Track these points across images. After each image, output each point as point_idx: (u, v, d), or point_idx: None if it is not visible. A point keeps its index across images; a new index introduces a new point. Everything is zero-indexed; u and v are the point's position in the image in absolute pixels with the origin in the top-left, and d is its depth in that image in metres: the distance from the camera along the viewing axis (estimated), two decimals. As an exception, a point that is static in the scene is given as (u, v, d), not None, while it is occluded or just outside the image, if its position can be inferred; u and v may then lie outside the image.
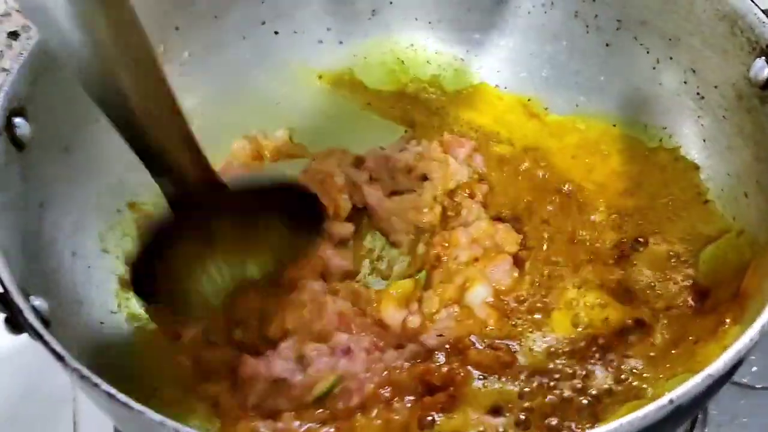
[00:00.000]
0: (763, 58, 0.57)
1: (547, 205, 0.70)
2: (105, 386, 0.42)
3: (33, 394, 0.71)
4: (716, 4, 0.62)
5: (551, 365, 0.59)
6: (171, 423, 0.40)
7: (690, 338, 0.56)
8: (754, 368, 0.67)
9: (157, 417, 0.41)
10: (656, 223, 0.67)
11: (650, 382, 0.55)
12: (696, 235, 0.64)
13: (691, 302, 0.60)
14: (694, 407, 0.41)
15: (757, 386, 0.66)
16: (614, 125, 0.73)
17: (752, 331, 0.41)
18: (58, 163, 0.63)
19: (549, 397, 0.57)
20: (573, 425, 0.54)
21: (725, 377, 0.41)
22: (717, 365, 0.40)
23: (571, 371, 0.59)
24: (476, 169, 0.74)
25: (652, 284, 0.63)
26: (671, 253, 0.64)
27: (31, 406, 0.71)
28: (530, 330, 0.62)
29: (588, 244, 0.67)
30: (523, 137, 0.76)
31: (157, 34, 0.71)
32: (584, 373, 0.58)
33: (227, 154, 0.76)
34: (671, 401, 0.38)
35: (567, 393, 0.57)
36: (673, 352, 0.56)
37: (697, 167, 0.67)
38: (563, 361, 0.59)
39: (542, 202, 0.71)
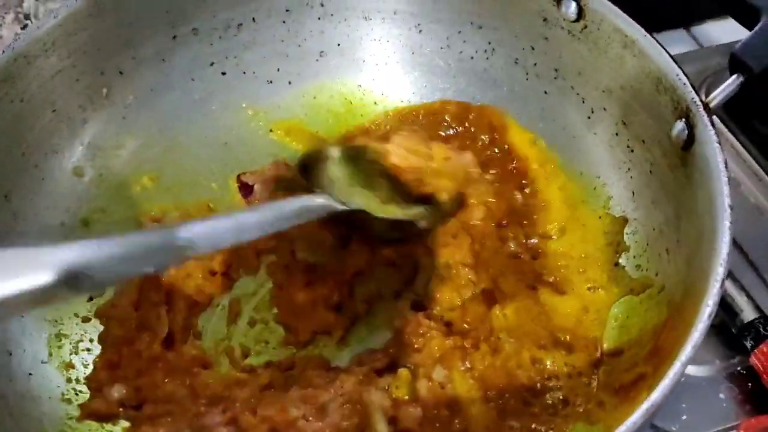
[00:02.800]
0: (683, 120, 0.58)
1: None
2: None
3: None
4: (642, 61, 0.63)
5: None
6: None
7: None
8: (684, 417, 0.68)
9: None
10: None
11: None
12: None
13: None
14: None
15: (685, 435, 0.67)
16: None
17: (656, 393, 0.42)
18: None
19: None
20: None
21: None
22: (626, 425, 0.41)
23: None
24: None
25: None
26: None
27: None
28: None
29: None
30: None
31: (99, 79, 0.72)
32: None
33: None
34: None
35: None
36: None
37: (626, 220, 0.68)
38: None
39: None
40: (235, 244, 0.58)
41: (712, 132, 0.54)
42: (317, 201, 0.62)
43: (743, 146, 0.86)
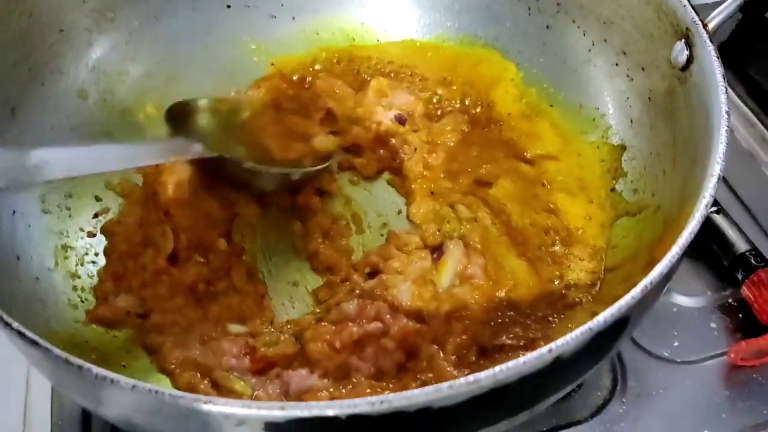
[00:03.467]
0: (683, 40, 0.60)
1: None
2: (43, 343, 0.43)
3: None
4: (644, -12, 0.64)
5: None
6: (111, 375, 0.40)
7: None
8: (676, 343, 0.70)
9: (99, 370, 0.41)
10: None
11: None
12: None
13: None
14: (577, 361, 0.43)
15: (677, 360, 0.68)
16: (551, 105, 0.75)
17: (635, 290, 0.43)
18: (2, 123, 0.64)
19: None
20: None
21: (608, 333, 0.43)
22: (597, 320, 0.42)
23: None
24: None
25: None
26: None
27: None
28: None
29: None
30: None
31: (106, 2, 0.73)
32: None
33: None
34: (550, 350, 0.40)
35: None
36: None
37: (624, 147, 0.70)
38: None
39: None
40: (91, 172, 0.63)
41: (711, 47, 0.56)
42: (182, 144, 0.66)
43: (737, 95, 0.88)
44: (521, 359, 0.39)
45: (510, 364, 0.39)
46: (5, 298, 0.55)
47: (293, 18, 0.83)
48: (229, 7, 0.81)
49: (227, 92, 0.79)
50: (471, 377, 0.38)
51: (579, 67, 0.74)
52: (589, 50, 0.72)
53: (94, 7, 0.72)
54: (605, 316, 0.42)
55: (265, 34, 0.82)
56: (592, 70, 0.73)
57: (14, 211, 0.64)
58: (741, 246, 0.72)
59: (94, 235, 0.68)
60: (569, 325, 0.59)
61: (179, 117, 0.70)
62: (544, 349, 0.40)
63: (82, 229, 0.68)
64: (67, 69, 0.71)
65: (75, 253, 0.66)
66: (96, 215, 0.69)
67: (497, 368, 0.39)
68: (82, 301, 0.63)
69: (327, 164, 0.73)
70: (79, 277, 0.65)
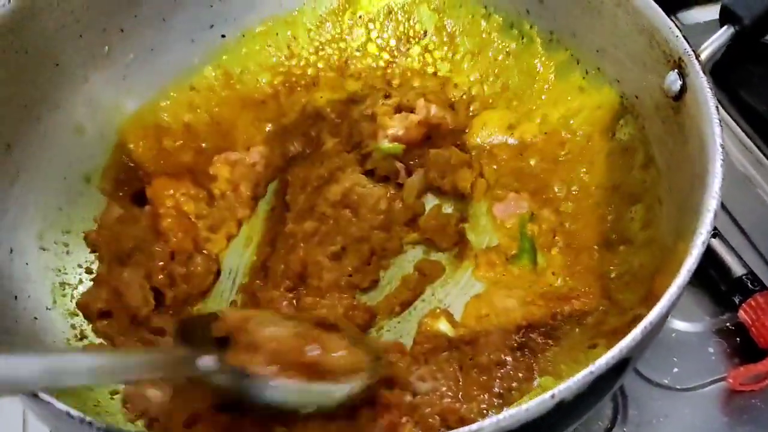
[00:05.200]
0: (676, 70, 0.60)
1: None
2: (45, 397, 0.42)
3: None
4: (636, 18, 0.64)
5: None
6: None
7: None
8: (675, 369, 0.70)
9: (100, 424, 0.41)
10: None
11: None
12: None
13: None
14: (579, 403, 0.43)
15: (676, 387, 0.69)
16: (545, 133, 0.75)
17: (635, 332, 0.43)
18: (-1, 161, 0.64)
19: None
20: None
21: (610, 375, 0.43)
22: (599, 363, 0.42)
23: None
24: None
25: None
26: None
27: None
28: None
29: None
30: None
31: (101, 37, 0.73)
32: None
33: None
34: (552, 396, 0.40)
35: None
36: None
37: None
38: None
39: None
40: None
41: (704, 78, 0.56)
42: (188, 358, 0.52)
43: (731, 117, 0.88)
44: (524, 406, 0.39)
45: (512, 411, 0.39)
46: (2, 339, 0.55)
47: (288, 47, 0.83)
48: (224, 36, 0.81)
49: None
50: (474, 426, 0.38)
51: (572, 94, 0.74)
52: (584, 78, 0.73)
53: (90, 42, 0.72)
54: (607, 359, 0.42)
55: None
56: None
57: (11, 249, 0.64)
58: (738, 270, 0.72)
59: (92, 272, 0.68)
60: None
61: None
62: (546, 395, 0.40)
63: (80, 266, 0.68)
64: (63, 104, 0.71)
65: (73, 290, 0.66)
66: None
67: (500, 416, 0.39)
68: (80, 339, 0.63)
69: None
70: (77, 315, 0.65)
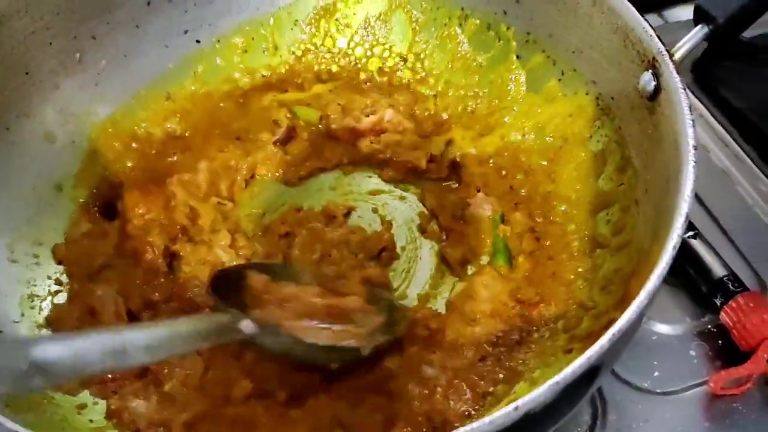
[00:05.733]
0: (650, 71, 0.59)
1: None
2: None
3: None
4: (610, 17, 0.64)
5: None
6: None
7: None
8: (656, 373, 0.69)
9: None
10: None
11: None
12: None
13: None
14: (551, 413, 0.42)
15: (657, 391, 0.67)
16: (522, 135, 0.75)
17: (603, 339, 0.42)
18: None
19: None
20: None
21: (580, 383, 0.42)
22: (565, 372, 0.41)
23: None
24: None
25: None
26: None
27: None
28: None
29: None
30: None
31: (73, 43, 0.72)
32: None
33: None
34: (516, 408, 0.39)
35: None
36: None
37: (596, 176, 0.69)
38: None
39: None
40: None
41: (678, 79, 0.55)
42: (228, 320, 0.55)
43: (711, 114, 0.87)
44: (487, 419, 0.38)
45: (475, 424, 0.38)
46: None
47: (264, 51, 0.82)
48: (198, 42, 0.80)
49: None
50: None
51: (549, 95, 0.73)
52: (560, 79, 0.72)
53: (61, 49, 0.71)
54: (574, 367, 0.41)
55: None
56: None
57: (-21, 262, 0.63)
58: (718, 271, 0.71)
59: (62, 283, 0.67)
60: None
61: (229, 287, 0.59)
62: (510, 407, 0.39)
63: (49, 277, 0.67)
64: (33, 111, 0.70)
65: (41, 301, 0.65)
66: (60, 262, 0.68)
67: (462, 429, 0.38)
68: (49, 353, 0.62)
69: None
70: (45, 328, 0.64)
